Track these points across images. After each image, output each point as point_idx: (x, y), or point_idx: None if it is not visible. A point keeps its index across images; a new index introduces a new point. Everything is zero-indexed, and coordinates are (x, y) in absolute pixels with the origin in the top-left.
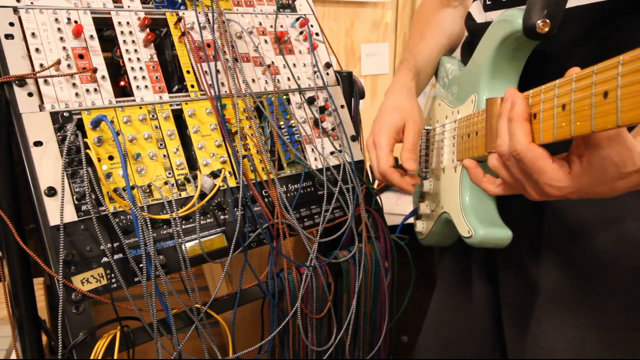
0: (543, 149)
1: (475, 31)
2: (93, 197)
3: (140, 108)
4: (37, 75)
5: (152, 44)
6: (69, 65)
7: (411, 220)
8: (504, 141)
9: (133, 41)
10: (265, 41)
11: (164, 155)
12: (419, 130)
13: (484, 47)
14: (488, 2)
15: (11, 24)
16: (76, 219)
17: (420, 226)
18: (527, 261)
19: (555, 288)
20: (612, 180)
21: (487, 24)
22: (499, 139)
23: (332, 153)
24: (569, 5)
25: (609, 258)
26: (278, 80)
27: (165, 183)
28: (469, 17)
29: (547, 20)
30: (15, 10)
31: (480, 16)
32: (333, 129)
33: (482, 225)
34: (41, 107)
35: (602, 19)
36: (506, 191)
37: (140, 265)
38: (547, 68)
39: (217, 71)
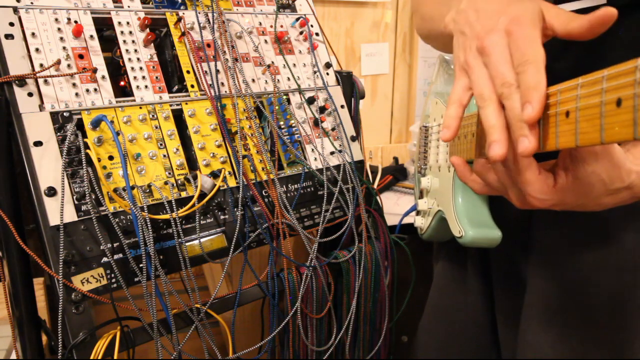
0: (531, 159)
1: None
2: (93, 197)
3: (140, 108)
4: (37, 75)
5: (152, 44)
6: (69, 65)
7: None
8: None
9: (133, 41)
10: (265, 41)
11: (164, 155)
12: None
13: None
14: None
15: (11, 24)
16: (76, 219)
17: (420, 222)
18: (518, 262)
19: (543, 288)
20: (598, 196)
21: None
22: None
23: (332, 153)
24: None
25: (594, 260)
26: (278, 80)
27: (165, 183)
28: None
29: None
30: (15, 10)
31: None
32: (333, 129)
33: (472, 226)
34: (41, 107)
35: None
36: (491, 192)
37: (140, 265)
38: None
39: (217, 71)
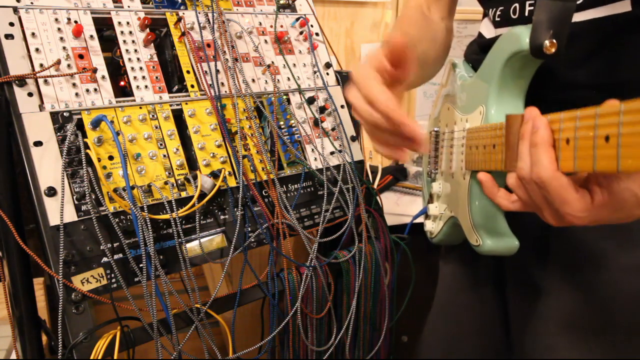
0: (568, 178)
1: (484, 47)
2: (93, 197)
3: (140, 108)
4: (37, 75)
5: (152, 44)
6: (69, 65)
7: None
8: (525, 164)
9: (133, 41)
10: (265, 41)
11: (164, 155)
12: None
13: (491, 61)
14: (497, 19)
15: (11, 24)
16: (76, 219)
17: (430, 226)
18: (534, 265)
19: (562, 291)
20: (631, 209)
21: (497, 39)
22: (521, 162)
23: (332, 153)
24: (578, 19)
25: (615, 263)
26: (278, 80)
27: (165, 183)
28: (479, 36)
29: (554, 41)
30: (15, 10)
31: (489, 32)
32: (333, 129)
33: (490, 236)
34: (41, 107)
35: (610, 32)
36: (520, 209)
37: (140, 265)
38: (553, 80)
39: (217, 71)
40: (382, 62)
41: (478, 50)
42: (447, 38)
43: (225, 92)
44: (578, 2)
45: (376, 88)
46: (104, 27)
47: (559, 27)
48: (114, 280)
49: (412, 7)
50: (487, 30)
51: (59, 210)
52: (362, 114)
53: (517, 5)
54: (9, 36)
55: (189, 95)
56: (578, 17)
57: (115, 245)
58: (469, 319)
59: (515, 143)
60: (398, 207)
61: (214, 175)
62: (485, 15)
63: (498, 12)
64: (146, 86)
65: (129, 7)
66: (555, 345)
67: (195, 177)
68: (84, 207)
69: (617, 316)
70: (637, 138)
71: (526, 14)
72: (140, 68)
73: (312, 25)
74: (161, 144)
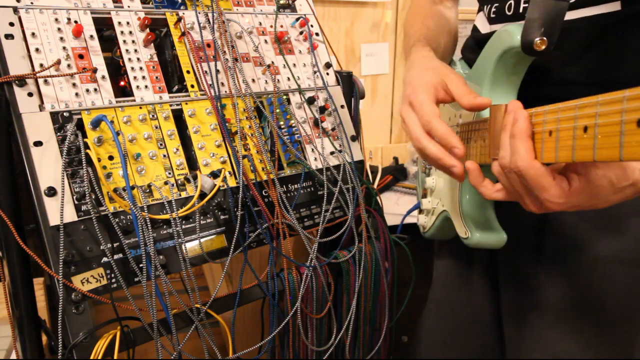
0: (545, 167)
1: (480, 41)
2: (93, 197)
3: (140, 108)
4: (37, 75)
5: (152, 44)
6: (69, 65)
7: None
8: (506, 153)
9: (133, 41)
10: (265, 41)
11: (164, 155)
12: (464, 81)
13: (485, 58)
14: (492, 15)
15: (11, 24)
16: (76, 219)
17: (423, 220)
18: (527, 261)
19: (556, 285)
20: (607, 195)
21: (491, 34)
22: (502, 151)
23: (332, 153)
24: (570, 17)
25: (610, 256)
26: (278, 80)
27: (165, 183)
28: (474, 29)
29: (545, 38)
30: (15, 10)
31: (484, 27)
32: (333, 129)
33: (478, 228)
34: (41, 107)
35: (601, 31)
36: (503, 198)
37: (140, 265)
38: (547, 77)
39: (217, 71)
40: (439, 97)
41: (474, 46)
42: (457, 27)
43: (225, 92)
44: (571, 1)
45: (437, 121)
46: (104, 27)
47: (550, 26)
48: (114, 280)
49: None
50: (483, 25)
51: (59, 210)
52: (418, 141)
53: (512, 2)
54: (9, 36)
55: (189, 95)
56: (570, 15)
57: (115, 245)
58: (465, 313)
59: (498, 132)
60: (398, 207)
61: (214, 175)
62: (480, 10)
63: (493, 9)
64: (146, 86)
65: (129, 7)
66: (549, 337)
67: (195, 177)
68: (84, 207)
69: (610, 306)
70: (612, 128)
71: (520, 10)
72: (140, 68)
73: (312, 25)
74: (161, 144)
